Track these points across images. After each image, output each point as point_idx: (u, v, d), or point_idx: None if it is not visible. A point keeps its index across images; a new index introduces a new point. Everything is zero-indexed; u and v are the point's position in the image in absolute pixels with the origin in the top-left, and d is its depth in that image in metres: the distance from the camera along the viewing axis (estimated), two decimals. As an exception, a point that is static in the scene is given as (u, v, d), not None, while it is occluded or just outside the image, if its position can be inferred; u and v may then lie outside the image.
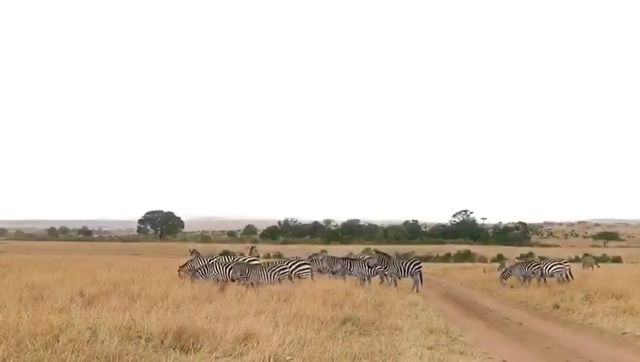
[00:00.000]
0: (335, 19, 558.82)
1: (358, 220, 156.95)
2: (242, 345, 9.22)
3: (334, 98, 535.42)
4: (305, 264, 21.12)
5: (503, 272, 24.60)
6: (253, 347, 8.96)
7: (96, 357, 7.74)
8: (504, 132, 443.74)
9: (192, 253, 25.64)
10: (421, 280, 23.29)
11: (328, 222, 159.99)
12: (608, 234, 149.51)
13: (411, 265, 23.33)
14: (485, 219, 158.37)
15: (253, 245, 42.03)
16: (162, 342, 9.19)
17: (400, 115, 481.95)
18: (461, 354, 10.18)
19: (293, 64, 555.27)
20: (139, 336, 9.29)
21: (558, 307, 17.37)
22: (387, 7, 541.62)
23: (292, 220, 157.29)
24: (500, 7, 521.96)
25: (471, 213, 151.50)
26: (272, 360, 8.49)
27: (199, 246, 74.77)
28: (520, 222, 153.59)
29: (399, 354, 9.63)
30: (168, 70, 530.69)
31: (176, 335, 9.35)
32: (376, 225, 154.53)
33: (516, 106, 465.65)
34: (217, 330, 9.79)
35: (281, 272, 18.67)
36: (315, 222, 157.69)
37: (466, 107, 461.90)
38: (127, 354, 8.10)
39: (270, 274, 18.42)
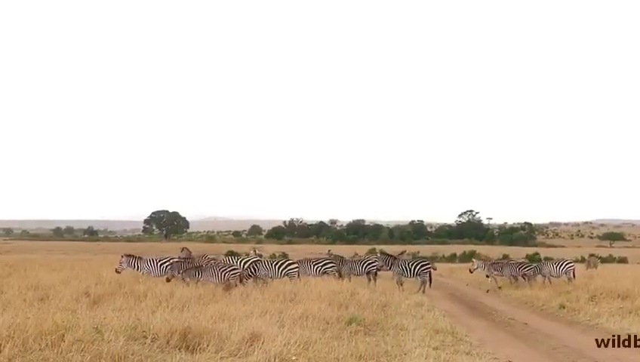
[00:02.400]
0: (337, 20, 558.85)
1: (363, 220, 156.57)
2: (248, 345, 9.22)
3: (340, 98, 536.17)
4: (294, 263, 21.44)
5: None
6: (258, 347, 8.95)
7: (102, 357, 7.75)
8: (510, 132, 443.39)
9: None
10: (430, 281, 23.08)
11: (334, 222, 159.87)
12: (614, 235, 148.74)
13: (418, 266, 23.11)
14: (491, 219, 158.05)
15: (255, 246, 42.85)
16: (168, 342, 9.22)
17: (406, 115, 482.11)
18: (467, 354, 10.17)
19: (298, 65, 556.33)
20: (144, 336, 9.31)
21: (563, 307, 17.31)
22: (393, 7, 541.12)
23: (297, 220, 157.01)
24: (506, 7, 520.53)
25: (476, 213, 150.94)
26: (277, 359, 8.50)
27: (205, 247, 75.07)
28: (526, 223, 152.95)
29: (405, 354, 9.63)
30: (175, 71, 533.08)
31: (181, 335, 9.38)
32: (381, 225, 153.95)
33: (522, 107, 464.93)
34: (223, 330, 9.81)
35: (232, 272, 18.89)
36: (321, 222, 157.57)
37: (471, 107, 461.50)
38: (132, 354, 8.12)
39: (221, 274, 18.66)
